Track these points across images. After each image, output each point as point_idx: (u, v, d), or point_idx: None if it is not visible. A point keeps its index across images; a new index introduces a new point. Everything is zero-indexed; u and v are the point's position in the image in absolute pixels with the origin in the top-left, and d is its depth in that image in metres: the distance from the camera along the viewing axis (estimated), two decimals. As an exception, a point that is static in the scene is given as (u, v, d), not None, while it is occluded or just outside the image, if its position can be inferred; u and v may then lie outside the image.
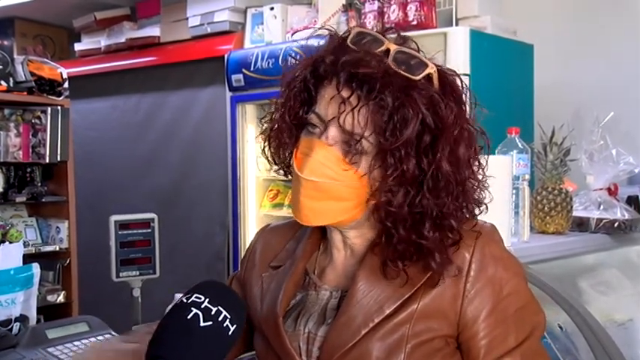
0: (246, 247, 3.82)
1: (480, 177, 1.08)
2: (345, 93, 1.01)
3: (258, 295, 1.19)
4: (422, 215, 1.03)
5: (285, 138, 1.12)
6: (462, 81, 1.08)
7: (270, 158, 1.18)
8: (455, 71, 1.08)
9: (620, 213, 2.38)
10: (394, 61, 1.02)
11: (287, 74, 1.13)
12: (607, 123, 2.39)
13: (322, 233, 1.20)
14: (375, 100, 1.00)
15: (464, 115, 1.06)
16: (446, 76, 1.06)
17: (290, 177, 1.16)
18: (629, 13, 3.12)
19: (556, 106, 3.01)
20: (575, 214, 2.39)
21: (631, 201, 2.52)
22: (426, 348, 1.03)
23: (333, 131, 1.03)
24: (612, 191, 2.43)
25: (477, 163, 1.08)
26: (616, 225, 2.36)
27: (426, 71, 1.03)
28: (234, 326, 0.96)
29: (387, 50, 1.04)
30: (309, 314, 1.11)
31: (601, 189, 2.43)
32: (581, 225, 2.41)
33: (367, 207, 1.07)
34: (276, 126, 1.13)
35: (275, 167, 1.19)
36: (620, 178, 2.43)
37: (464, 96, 1.07)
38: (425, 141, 1.01)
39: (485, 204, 1.10)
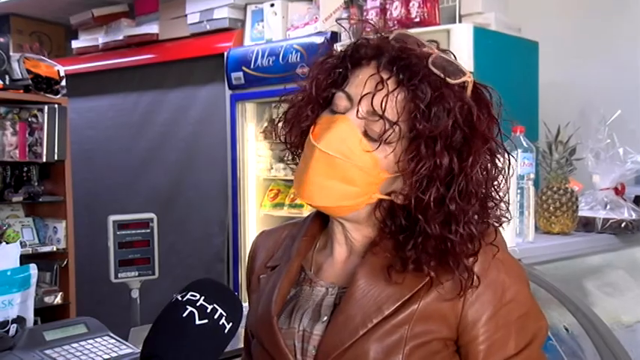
0: (247, 247, 3.76)
1: (502, 195, 1.07)
2: (384, 74, 1.01)
3: (256, 298, 1.17)
4: (450, 216, 1.01)
5: (308, 111, 1.10)
6: (491, 95, 1.06)
7: (282, 138, 1.16)
8: (488, 86, 1.07)
9: (628, 213, 2.35)
10: (433, 64, 1.02)
11: (321, 57, 1.13)
12: (613, 121, 2.36)
13: (319, 229, 1.19)
14: (413, 87, 0.99)
15: (493, 129, 1.05)
16: (480, 89, 1.06)
17: (295, 166, 1.15)
18: (636, 10, 3.10)
19: (561, 104, 2.99)
20: (580, 214, 2.37)
21: (638, 201, 2.49)
22: (424, 350, 1.01)
23: (364, 109, 1.02)
24: (619, 191, 2.40)
25: (500, 182, 1.07)
26: (623, 225, 2.33)
27: (463, 78, 1.02)
28: (230, 324, 0.95)
29: (428, 53, 1.04)
30: (303, 310, 1.09)
31: (607, 188, 2.41)
32: (587, 225, 2.39)
33: (371, 200, 1.05)
34: (296, 100, 1.12)
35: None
36: (627, 177, 2.41)
37: (494, 111, 1.06)
38: (457, 142, 1.00)
39: (507, 218, 1.08)
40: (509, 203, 1.08)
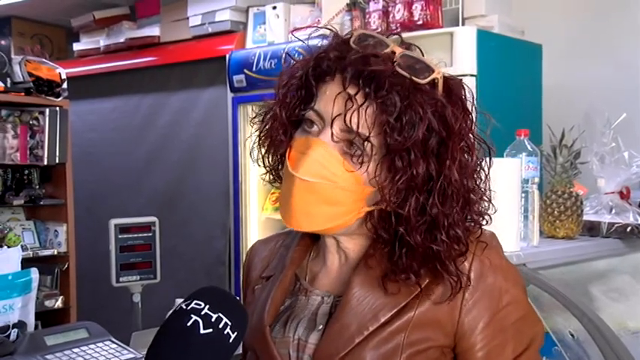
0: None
1: (484, 189, 1.05)
2: (351, 90, 0.97)
3: (251, 310, 1.15)
4: (433, 223, 0.99)
5: (281, 135, 1.07)
6: (464, 88, 1.04)
7: (260, 162, 1.14)
8: (460, 79, 1.05)
9: (633, 217, 2.33)
10: (399, 65, 0.99)
11: (285, 71, 1.10)
12: (618, 125, 2.35)
13: (313, 238, 1.17)
14: (381, 99, 0.96)
15: (469, 124, 1.03)
16: (451, 83, 1.03)
17: (277, 183, 1.14)
18: (639, 13, 3.08)
19: (565, 107, 2.98)
20: (585, 218, 2.35)
21: (643, 205, 2.48)
22: (421, 358, 1.00)
23: (337, 129, 0.99)
24: (624, 195, 2.38)
25: (481, 175, 1.05)
26: (628, 230, 2.31)
27: (432, 76, 0.99)
28: (235, 334, 0.93)
29: (392, 53, 1.01)
30: (299, 319, 1.08)
31: (612, 192, 2.39)
32: (592, 229, 2.37)
33: (360, 214, 1.03)
34: (268, 124, 1.10)
35: (263, 171, 1.15)
36: (632, 181, 2.39)
37: (469, 104, 1.04)
38: (432, 146, 0.98)
39: (490, 215, 1.07)
40: (491, 197, 1.06)
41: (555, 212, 2.28)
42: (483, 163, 1.04)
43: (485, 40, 2.84)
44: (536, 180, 2.16)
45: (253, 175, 3.80)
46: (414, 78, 0.98)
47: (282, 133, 1.07)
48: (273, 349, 1.05)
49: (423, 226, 0.99)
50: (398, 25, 3.06)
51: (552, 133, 2.31)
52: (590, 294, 2.13)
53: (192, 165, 4.24)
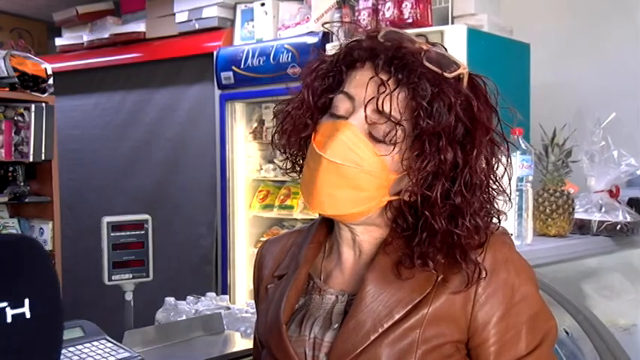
0: (236, 249, 3.72)
1: (501, 184, 1.08)
2: (383, 76, 1.00)
3: (264, 308, 1.16)
4: (456, 210, 1.01)
5: (307, 119, 1.09)
6: (485, 84, 1.07)
7: (281, 148, 1.15)
8: (483, 76, 1.07)
9: (622, 215, 2.36)
10: (428, 60, 1.01)
11: (313, 59, 1.12)
12: (608, 124, 2.37)
13: (325, 236, 1.18)
14: (413, 85, 0.99)
15: (492, 119, 1.05)
16: (475, 79, 1.06)
17: (294, 173, 1.15)
18: (627, 12, 3.12)
19: (552, 106, 3.00)
20: (576, 216, 2.37)
21: (632, 203, 2.51)
22: (436, 354, 1.01)
23: (370, 112, 1.01)
24: (614, 193, 2.41)
25: (500, 170, 1.07)
26: (618, 227, 2.34)
27: (458, 71, 1.02)
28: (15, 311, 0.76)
29: (420, 48, 1.03)
30: (314, 318, 1.08)
31: (602, 191, 2.42)
32: (582, 227, 2.39)
33: (382, 203, 1.04)
34: (292, 110, 1.11)
35: (282, 158, 1.16)
36: (621, 179, 2.41)
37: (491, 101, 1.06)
38: (459, 135, 1.01)
39: (505, 213, 1.09)
40: (510, 193, 1.09)
41: (547, 210, 2.30)
42: (505, 160, 1.07)
43: (476, 38, 2.86)
44: (530, 178, 2.17)
45: (241, 172, 3.79)
46: (442, 72, 1.01)
47: (309, 116, 1.08)
48: (289, 347, 1.06)
49: (446, 213, 1.01)
50: (387, 23, 3.07)
51: (544, 131, 2.33)
52: (583, 291, 2.14)
53: (178, 163, 4.21)
